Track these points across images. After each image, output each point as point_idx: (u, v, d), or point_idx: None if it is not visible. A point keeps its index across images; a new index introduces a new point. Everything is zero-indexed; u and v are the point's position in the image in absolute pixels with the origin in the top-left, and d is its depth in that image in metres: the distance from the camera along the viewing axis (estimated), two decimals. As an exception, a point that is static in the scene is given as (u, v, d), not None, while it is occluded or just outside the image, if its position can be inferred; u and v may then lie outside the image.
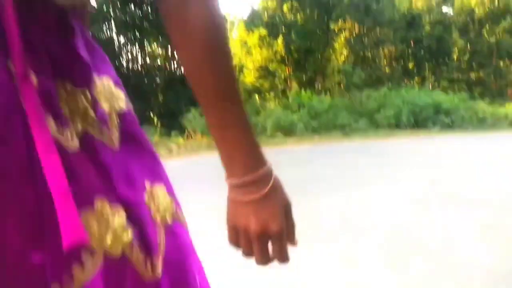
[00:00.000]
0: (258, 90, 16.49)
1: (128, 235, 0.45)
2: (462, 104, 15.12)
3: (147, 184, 0.52)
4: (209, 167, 7.13)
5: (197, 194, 4.55)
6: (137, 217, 0.48)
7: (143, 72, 15.65)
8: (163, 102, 14.72)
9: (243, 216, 0.51)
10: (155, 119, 10.76)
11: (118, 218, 0.45)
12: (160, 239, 0.50)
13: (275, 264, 0.56)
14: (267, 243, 0.52)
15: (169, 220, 0.53)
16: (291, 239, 0.55)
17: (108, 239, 0.43)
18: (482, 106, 15.93)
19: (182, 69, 0.52)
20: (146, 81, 15.43)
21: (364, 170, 6.31)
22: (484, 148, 8.89)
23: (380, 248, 3.05)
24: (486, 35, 18.70)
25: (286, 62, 16.62)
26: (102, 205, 0.43)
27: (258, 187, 0.50)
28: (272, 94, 16.01)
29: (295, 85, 15.86)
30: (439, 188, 5.03)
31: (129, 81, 13.58)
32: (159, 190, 0.53)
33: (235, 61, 15.58)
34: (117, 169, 0.47)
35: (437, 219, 3.73)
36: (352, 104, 13.86)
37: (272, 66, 16.79)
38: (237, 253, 0.56)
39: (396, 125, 13.26)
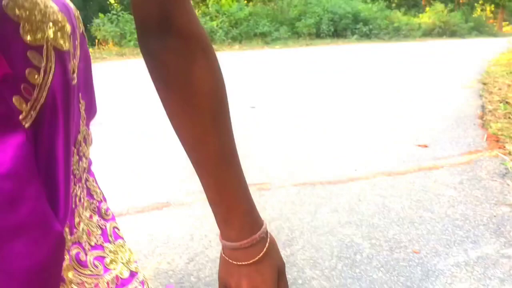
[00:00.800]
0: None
1: (69, 26, 0.40)
2: (379, 13, 15.45)
3: None
4: (118, 72, 6.74)
5: (106, 96, 4.25)
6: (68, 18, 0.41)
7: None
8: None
9: (235, 278, 0.49)
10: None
11: (51, 7, 0.38)
12: (77, 45, 0.44)
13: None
14: None
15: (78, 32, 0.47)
16: None
17: (51, 31, 0.37)
18: (398, 16, 16.45)
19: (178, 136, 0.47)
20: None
21: (279, 72, 6.32)
22: (396, 54, 9.30)
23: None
24: None
25: (206, -35, 15.50)
26: None
27: (253, 251, 0.48)
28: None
29: (215, -8, 15.02)
30: (352, 81, 5.19)
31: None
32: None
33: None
34: None
35: (343, 105, 3.86)
36: (273, 12, 13.55)
37: (190, -29, 15.61)
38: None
39: (317, 34, 13.31)
